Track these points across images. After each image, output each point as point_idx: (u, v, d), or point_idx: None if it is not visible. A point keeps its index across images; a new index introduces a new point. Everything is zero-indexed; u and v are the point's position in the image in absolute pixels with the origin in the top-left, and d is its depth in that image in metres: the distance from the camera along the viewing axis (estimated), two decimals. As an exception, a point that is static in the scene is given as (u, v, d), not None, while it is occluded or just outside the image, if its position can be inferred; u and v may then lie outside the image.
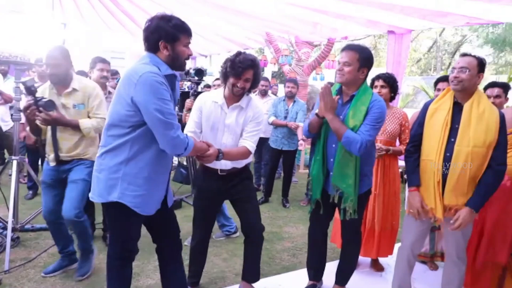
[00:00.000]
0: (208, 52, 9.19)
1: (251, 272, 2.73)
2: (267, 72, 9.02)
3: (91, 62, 3.46)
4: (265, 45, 7.14)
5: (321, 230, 2.75)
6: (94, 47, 8.81)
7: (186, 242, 3.71)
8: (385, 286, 2.87)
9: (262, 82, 5.24)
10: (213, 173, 2.55)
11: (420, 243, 2.53)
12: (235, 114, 2.47)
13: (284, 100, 4.97)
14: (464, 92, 2.24)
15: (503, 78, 10.62)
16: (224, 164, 2.48)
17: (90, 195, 2.04)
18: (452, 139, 2.25)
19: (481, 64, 2.23)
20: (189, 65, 8.34)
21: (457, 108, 2.29)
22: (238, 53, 2.37)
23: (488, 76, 11.79)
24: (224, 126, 2.46)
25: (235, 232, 3.83)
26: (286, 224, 4.46)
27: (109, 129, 1.92)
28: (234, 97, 2.44)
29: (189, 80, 3.70)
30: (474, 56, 2.26)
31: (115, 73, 5.20)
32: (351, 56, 2.32)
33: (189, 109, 3.55)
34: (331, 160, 2.47)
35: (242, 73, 2.30)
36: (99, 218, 3.69)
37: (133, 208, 1.95)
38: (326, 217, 2.65)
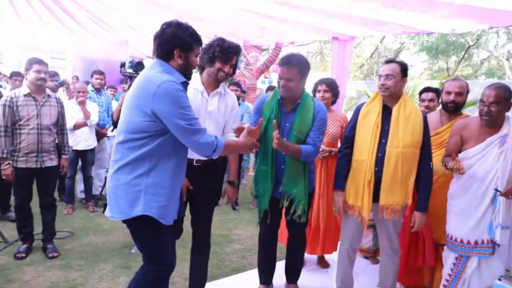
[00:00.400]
0: (155, 53, 8.99)
1: (198, 279, 2.68)
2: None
3: (27, 63, 3.24)
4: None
5: (272, 234, 2.80)
6: (31, 47, 8.29)
7: (133, 250, 3.63)
8: (330, 281, 3.00)
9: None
10: (188, 164, 2.38)
11: (357, 239, 2.70)
12: (216, 100, 2.44)
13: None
14: (391, 96, 2.43)
15: (436, 83, 11.45)
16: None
17: (108, 214, 1.90)
18: (383, 140, 2.43)
19: (404, 70, 2.43)
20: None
21: (386, 111, 2.47)
22: (223, 39, 2.37)
23: (424, 81, 12.64)
24: (206, 113, 2.40)
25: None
26: (235, 226, 4.48)
27: (126, 141, 1.81)
28: (214, 83, 2.40)
29: (124, 74, 3.48)
30: (397, 62, 2.47)
31: (54, 75, 4.95)
32: (293, 72, 2.41)
33: None
34: (282, 167, 2.53)
35: (232, 58, 2.33)
36: (38, 228, 3.50)
37: (158, 219, 1.86)
38: (275, 221, 2.70)
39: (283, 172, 2.53)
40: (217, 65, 2.32)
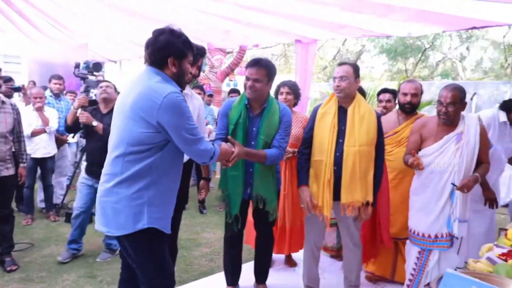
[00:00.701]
0: (118, 57, 8.78)
1: None
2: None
3: None
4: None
5: (238, 236, 2.81)
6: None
7: (99, 258, 3.53)
8: (298, 279, 3.03)
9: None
10: None
11: (321, 237, 2.79)
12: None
13: None
14: (346, 97, 2.53)
15: (395, 84, 11.90)
16: None
17: (102, 229, 1.81)
18: (340, 140, 2.52)
19: (356, 71, 2.54)
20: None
21: (341, 112, 2.56)
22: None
23: (384, 82, 13.10)
24: None
25: (117, 249, 3.60)
26: (203, 230, 4.45)
27: (127, 154, 1.73)
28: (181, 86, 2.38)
29: (77, 75, 3.34)
30: (350, 64, 2.57)
31: (8, 80, 4.72)
32: (261, 73, 2.44)
33: (83, 107, 3.30)
34: (251, 170, 2.56)
35: (198, 59, 2.33)
36: (-6, 240, 3.33)
37: (162, 230, 1.82)
38: (242, 222, 2.70)
39: (253, 175, 2.55)
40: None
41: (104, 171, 1.83)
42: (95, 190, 3.36)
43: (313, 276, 2.84)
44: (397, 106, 3.18)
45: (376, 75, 22.20)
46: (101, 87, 3.41)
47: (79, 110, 3.30)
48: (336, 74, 2.52)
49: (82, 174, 3.50)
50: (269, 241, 2.87)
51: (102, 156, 3.21)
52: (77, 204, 3.45)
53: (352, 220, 2.60)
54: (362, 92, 3.05)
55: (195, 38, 6.24)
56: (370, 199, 2.51)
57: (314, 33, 5.01)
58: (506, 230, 1.76)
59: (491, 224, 3.25)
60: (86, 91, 3.38)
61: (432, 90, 11.36)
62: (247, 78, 2.48)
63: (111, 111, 3.36)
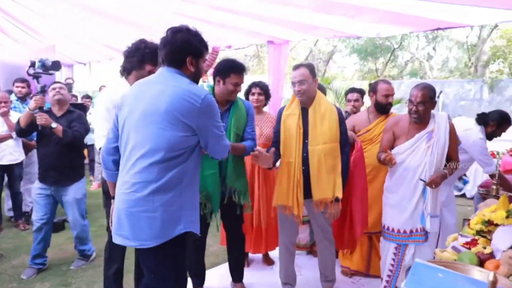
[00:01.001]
0: (87, 59, 8.58)
1: None
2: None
3: None
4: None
5: (204, 239, 2.83)
6: None
7: (73, 266, 3.45)
8: (276, 277, 3.07)
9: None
10: None
11: (294, 233, 2.84)
12: None
13: None
14: (307, 99, 2.61)
15: (366, 83, 12.17)
16: None
17: (133, 243, 1.73)
18: (306, 141, 2.60)
19: (312, 71, 2.61)
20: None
21: (304, 112, 2.63)
22: (145, 40, 2.34)
23: (355, 82, 13.38)
24: None
25: (91, 255, 3.57)
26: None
27: (165, 160, 1.65)
28: None
29: (30, 74, 3.16)
30: (305, 66, 2.62)
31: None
32: (243, 79, 2.57)
33: (41, 108, 3.12)
34: (225, 166, 2.60)
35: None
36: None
37: (196, 232, 1.82)
38: (206, 224, 2.67)
39: (226, 170, 2.60)
40: (148, 67, 2.30)
41: (131, 179, 1.71)
42: (54, 198, 3.30)
43: (289, 272, 2.91)
44: (365, 105, 3.28)
45: (348, 74, 22.63)
46: (54, 88, 3.27)
47: (36, 112, 3.11)
48: (294, 79, 2.58)
49: (36, 183, 3.32)
50: (239, 238, 2.90)
51: (58, 160, 3.21)
52: (36, 216, 3.27)
53: (324, 217, 2.68)
54: (322, 89, 3.11)
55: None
56: (339, 195, 2.58)
57: (286, 34, 5.07)
58: (469, 220, 1.85)
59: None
60: (43, 91, 3.17)
61: (402, 89, 11.71)
62: (237, 84, 2.53)
63: (65, 114, 3.30)
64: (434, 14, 3.60)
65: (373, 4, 3.55)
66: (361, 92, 3.61)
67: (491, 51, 16.52)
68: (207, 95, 1.68)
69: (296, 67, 2.62)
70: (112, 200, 2.23)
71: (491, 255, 1.54)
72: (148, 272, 1.82)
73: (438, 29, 4.24)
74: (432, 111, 2.61)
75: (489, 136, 3.29)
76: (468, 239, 1.71)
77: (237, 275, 2.98)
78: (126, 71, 2.36)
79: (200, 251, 2.88)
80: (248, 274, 3.03)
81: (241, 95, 2.91)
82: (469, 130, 3.21)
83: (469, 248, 1.62)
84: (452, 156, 2.61)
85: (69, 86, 6.68)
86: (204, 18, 4.67)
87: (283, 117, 2.69)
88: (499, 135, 3.32)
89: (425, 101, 2.49)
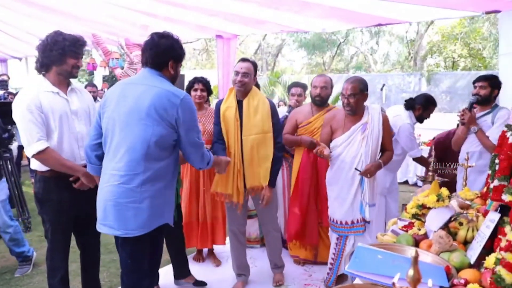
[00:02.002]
0: (23, 54, 8.04)
1: None
2: (97, 76, 8.38)
3: None
4: (92, 47, 6.67)
5: None
6: None
7: (17, 273, 3.27)
8: (225, 274, 3.16)
9: (89, 88, 5.02)
10: (65, 179, 2.24)
11: (242, 221, 2.92)
12: (76, 98, 2.32)
13: None
14: (245, 91, 2.71)
15: (313, 77, 12.50)
16: (84, 160, 2.29)
17: (118, 233, 1.84)
18: (241, 131, 2.70)
19: (255, 69, 2.76)
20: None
21: (240, 105, 2.73)
22: (62, 32, 2.23)
23: (304, 76, 13.70)
24: (72, 114, 2.26)
25: (32, 257, 3.38)
26: (133, 232, 4.33)
27: (148, 154, 1.80)
28: (64, 82, 2.27)
29: None
30: (252, 62, 2.74)
31: None
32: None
33: None
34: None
35: (83, 51, 2.29)
36: None
37: (171, 224, 2.01)
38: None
39: None
40: (71, 61, 2.21)
41: (118, 172, 1.82)
42: None
43: (242, 263, 3.00)
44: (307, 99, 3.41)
45: (297, 68, 23.09)
46: None
47: None
48: (240, 69, 2.66)
49: None
50: (179, 239, 2.96)
51: None
52: None
53: (269, 206, 2.80)
54: (257, 85, 3.23)
55: (111, 33, 6.00)
56: (266, 182, 2.70)
57: (235, 29, 5.08)
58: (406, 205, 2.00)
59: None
60: None
61: (348, 82, 12.20)
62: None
63: None
64: (375, 10, 3.79)
65: (318, 1, 3.66)
66: (303, 86, 3.74)
67: (428, 46, 17.61)
68: (186, 96, 1.85)
69: (244, 60, 2.71)
70: (49, 206, 2.23)
71: (425, 236, 1.67)
72: (126, 257, 1.94)
73: (379, 25, 4.46)
74: (366, 104, 2.72)
75: (419, 119, 3.46)
76: (406, 223, 1.85)
77: (182, 271, 3.01)
78: (44, 67, 2.21)
79: None
80: (201, 271, 3.08)
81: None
82: (398, 116, 3.39)
83: (406, 231, 1.75)
84: (386, 146, 2.73)
85: (3, 83, 6.24)
86: (150, 12, 4.57)
87: (221, 110, 2.77)
88: (428, 117, 3.49)
89: (356, 93, 2.59)
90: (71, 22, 5.19)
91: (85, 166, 2.27)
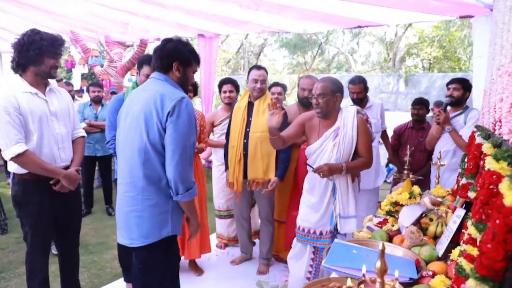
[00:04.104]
0: (-2, 50, 7.85)
1: None
2: (76, 74, 8.23)
3: None
4: (71, 44, 6.57)
5: None
6: None
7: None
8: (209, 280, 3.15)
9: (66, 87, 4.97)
10: (45, 182, 2.22)
11: (244, 210, 3.35)
12: (55, 98, 2.29)
13: (90, 105, 4.85)
14: (260, 95, 3.07)
15: (295, 77, 12.62)
16: (64, 162, 2.30)
17: (125, 242, 1.82)
18: (248, 129, 3.05)
19: (266, 74, 3.13)
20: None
21: (250, 106, 3.09)
22: (39, 31, 2.17)
23: (285, 75, 13.81)
24: (51, 115, 2.22)
25: None
26: (113, 232, 4.29)
27: (145, 160, 1.73)
28: (42, 82, 2.23)
29: None
30: (264, 69, 3.13)
31: None
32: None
33: None
34: None
35: (62, 51, 2.24)
36: None
37: (179, 234, 1.89)
38: None
39: None
40: (49, 61, 2.16)
41: (124, 181, 1.82)
42: None
43: (244, 243, 3.47)
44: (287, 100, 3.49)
45: (279, 68, 23.20)
46: None
47: None
48: (258, 77, 3.04)
49: None
50: None
51: None
52: None
53: (266, 198, 3.12)
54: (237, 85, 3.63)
55: (91, 31, 5.93)
56: (272, 176, 2.99)
57: (216, 28, 5.10)
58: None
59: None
60: None
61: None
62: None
63: None
64: (355, 13, 3.88)
65: (297, 4, 3.72)
66: (284, 87, 3.84)
67: (406, 47, 17.99)
68: (183, 99, 1.74)
69: (259, 68, 3.11)
70: (28, 209, 2.20)
71: (398, 231, 1.76)
72: (136, 268, 1.89)
73: (359, 27, 4.57)
74: (342, 106, 2.54)
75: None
76: (381, 219, 1.93)
77: None
78: (21, 67, 2.16)
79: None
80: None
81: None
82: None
83: (381, 227, 1.83)
84: (359, 152, 2.47)
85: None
86: (129, 10, 4.54)
87: (234, 109, 3.18)
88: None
89: (325, 94, 2.38)
90: (48, 18, 5.10)
91: (65, 168, 2.28)
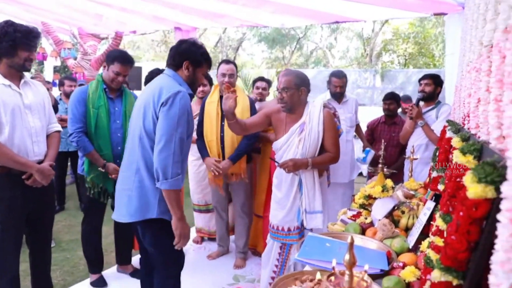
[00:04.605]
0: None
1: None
2: (48, 67, 7.96)
3: None
4: (43, 36, 6.35)
5: (99, 225, 2.98)
6: None
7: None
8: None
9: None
10: (17, 176, 2.16)
11: (221, 201, 3.37)
12: (30, 91, 2.24)
13: (61, 99, 4.76)
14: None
15: (273, 71, 12.65)
16: (37, 156, 2.24)
17: (115, 217, 1.97)
18: (223, 123, 3.03)
19: (237, 67, 3.09)
20: None
21: (222, 99, 2.83)
22: (13, 22, 2.12)
23: (263, 70, 13.81)
24: (25, 107, 2.17)
25: None
26: (87, 228, 4.22)
27: (142, 144, 1.86)
28: (16, 74, 2.18)
29: None
30: (233, 62, 3.12)
31: None
32: (126, 70, 2.73)
33: None
34: (119, 148, 2.74)
35: (37, 44, 2.21)
36: None
37: (168, 219, 1.92)
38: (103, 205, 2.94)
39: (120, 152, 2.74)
40: (23, 54, 2.12)
41: (124, 162, 1.97)
42: None
43: (222, 235, 3.48)
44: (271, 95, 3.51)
45: (257, 62, 23.18)
46: None
47: None
48: (226, 71, 3.01)
49: None
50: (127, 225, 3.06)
51: None
52: None
53: (242, 190, 3.19)
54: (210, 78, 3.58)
55: (62, 22, 5.75)
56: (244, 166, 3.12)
57: (193, 21, 5.04)
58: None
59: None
60: None
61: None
62: (118, 73, 2.72)
63: None
64: (333, 8, 3.91)
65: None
66: (268, 82, 3.82)
67: (382, 43, 18.29)
68: (180, 93, 1.80)
69: (228, 62, 3.08)
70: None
71: (371, 224, 1.79)
72: (148, 246, 2.01)
73: (336, 22, 4.61)
74: (310, 100, 2.50)
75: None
76: (355, 212, 1.96)
77: (127, 257, 3.17)
78: None
79: (96, 235, 2.94)
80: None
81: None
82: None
83: (354, 220, 1.86)
84: (326, 147, 2.44)
85: None
86: (104, 2, 4.42)
87: (206, 104, 3.13)
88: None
89: (289, 88, 2.34)
90: (19, 9, 4.92)
91: (39, 163, 2.22)
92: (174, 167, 1.77)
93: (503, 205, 0.63)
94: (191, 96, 1.97)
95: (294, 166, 2.33)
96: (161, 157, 1.75)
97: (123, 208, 1.91)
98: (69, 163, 4.94)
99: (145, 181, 1.85)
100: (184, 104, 1.80)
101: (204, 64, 2.01)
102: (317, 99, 2.62)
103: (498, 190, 0.74)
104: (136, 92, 3.11)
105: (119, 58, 2.68)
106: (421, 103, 3.28)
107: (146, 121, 1.83)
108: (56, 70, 8.79)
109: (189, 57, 1.95)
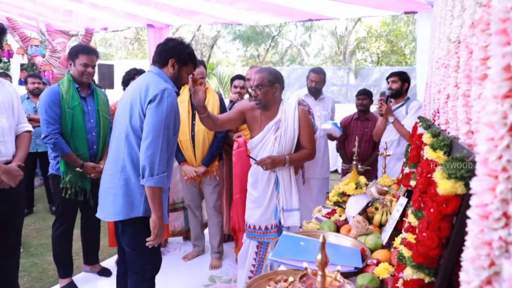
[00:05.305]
0: None
1: None
2: (15, 65, 7.65)
3: None
4: (8, 32, 6.08)
5: (72, 228, 2.90)
6: None
7: None
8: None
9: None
10: None
11: (195, 199, 3.35)
12: None
13: (28, 98, 4.56)
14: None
15: (246, 69, 12.62)
16: (5, 157, 2.16)
17: (100, 215, 1.96)
18: (194, 122, 3.02)
19: (206, 67, 3.07)
20: None
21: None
22: None
23: (238, 68, 13.77)
24: None
25: None
26: (57, 232, 4.08)
27: (127, 141, 1.85)
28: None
29: None
30: (201, 62, 3.02)
31: None
32: (93, 60, 2.71)
33: None
34: (95, 147, 2.73)
35: (2, 40, 2.13)
36: None
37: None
38: (75, 210, 2.93)
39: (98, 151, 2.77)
40: None
41: (108, 160, 1.95)
42: None
43: (197, 234, 3.43)
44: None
45: (232, 60, 23.08)
46: None
47: None
48: (197, 75, 2.87)
49: None
50: (95, 225, 3.04)
51: None
52: None
53: (210, 187, 3.19)
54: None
55: (29, 18, 5.53)
56: (216, 163, 3.14)
57: (166, 18, 4.96)
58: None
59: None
60: None
61: (284, 75, 12.51)
62: (86, 65, 2.68)
63: None
64: (306, 6, 3.92)
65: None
66: (244, 79, 3.74)
67: (356, 41, 18.58)
68: (166, 90, 1.82)
69: (201, 63, 3.04)
70: None
71: (345, 221, 1.79)
72: (126, 247, 1.98)
73: (310, 20, 4.63)
74: (284, 98, 2.48)
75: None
76: (329, 210, 1.96)
77: (94, 258, 3.13)
78: None
79: (67, 238, 2.87)
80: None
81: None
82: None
83: (329, 217, 1.86)
84: (302, 144, 2.42)
85: None
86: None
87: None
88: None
89: (262, 85, 2.31)
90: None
91: (6, 163, 2.14)
92: (160, 164, 1.78)
93: (472, 201, 0.62)
94: (177, 94, 1.96)
95: (272, 164, 2.30)
96: (148, 154, 1.76)
97: (109, 207, 1.90)
98: (38, 165, 4.76)
99: (131, 179, 1.85)
100: (171, 101, 1.83)
101: (189, 63, 2.02)
102: (292, 96, 2.58)
103: (467, 186, 0.74)
104: (109, 91, 3.04)
105: (81, 50, 2.67)
106: (392, 101, 3.34)
107: (133, 118, 1.83)
108: (23, 68, 8.45)
109: (174, 55, 1.95)
